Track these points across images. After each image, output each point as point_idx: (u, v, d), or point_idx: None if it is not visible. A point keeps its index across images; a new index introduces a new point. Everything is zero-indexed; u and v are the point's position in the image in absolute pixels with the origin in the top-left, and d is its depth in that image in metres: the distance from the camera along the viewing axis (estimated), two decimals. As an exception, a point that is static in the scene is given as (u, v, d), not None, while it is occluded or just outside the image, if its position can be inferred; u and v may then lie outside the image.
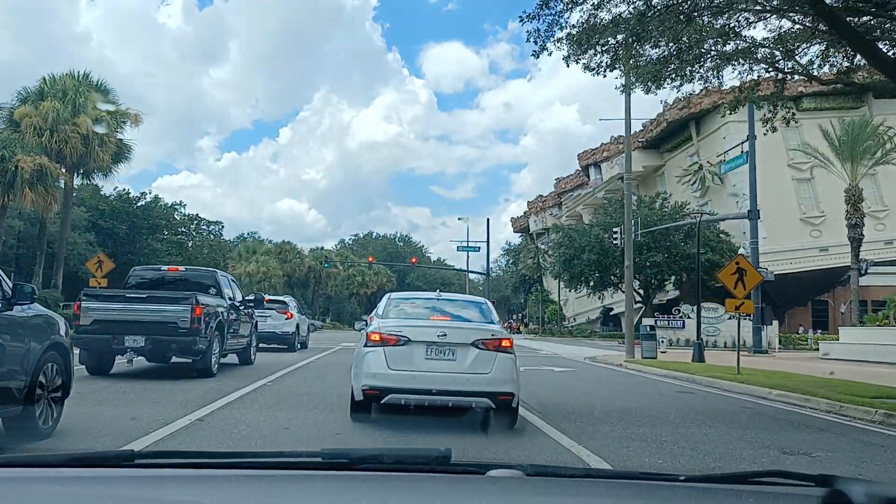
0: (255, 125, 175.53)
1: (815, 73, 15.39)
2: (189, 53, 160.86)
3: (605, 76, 11.58)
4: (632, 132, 27.04)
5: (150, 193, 79.20)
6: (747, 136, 30.66)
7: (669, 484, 1.81)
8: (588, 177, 69.57)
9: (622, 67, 12.17)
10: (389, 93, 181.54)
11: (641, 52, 12.78)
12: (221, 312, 14.29)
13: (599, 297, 59.83)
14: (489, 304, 9.73)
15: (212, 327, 13.48)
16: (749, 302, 17.37)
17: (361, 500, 1.61)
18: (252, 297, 18.09)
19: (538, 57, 11.66)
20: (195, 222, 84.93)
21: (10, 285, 6.67)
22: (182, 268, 16.73)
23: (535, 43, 11.29)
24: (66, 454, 1.90)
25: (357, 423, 8.38)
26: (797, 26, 14.33)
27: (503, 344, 8.26)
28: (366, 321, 9.97)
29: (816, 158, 40.95)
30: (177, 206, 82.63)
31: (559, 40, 11.36)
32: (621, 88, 13.68)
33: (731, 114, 18.79)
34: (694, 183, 56.81)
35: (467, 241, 67.14)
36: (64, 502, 1.54)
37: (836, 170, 40.50)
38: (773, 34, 14.31)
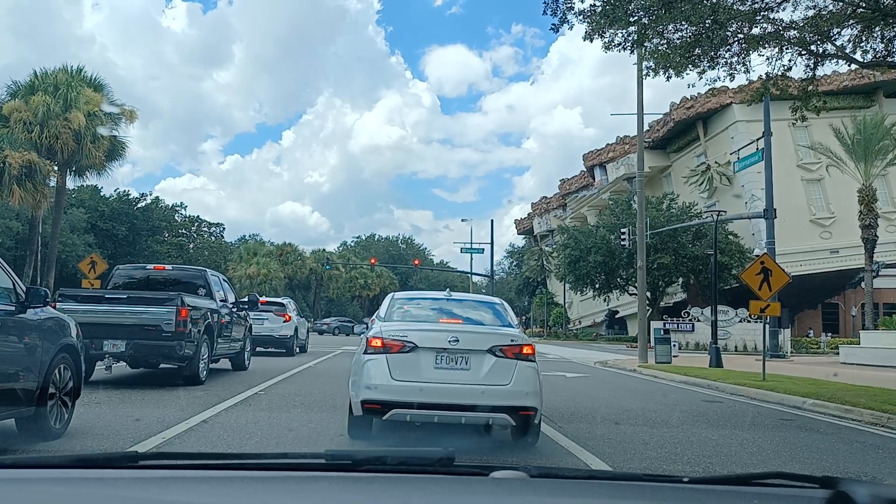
0: (259, 128, 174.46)
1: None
2: (193, 56, 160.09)
3: (631, 51, 10.53)
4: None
5: (150, 195, 78.66)
6: (763, 133, 29.60)
7: (673, 485, 1.79)
8: (593, 178, 68.58)
9: (647, 44, 11.07)
10: (392, 96, 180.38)
11: (665, 32, 11.76)
12: (211, 314, 13.23)
13: (605, 300, 58.91)
14: (505, 304, 8.58)
15: (199, 330, 12.42)
16: (776, 304, 16.28)
17: (365, 502, 1.61)
18: (246, 299, 17.08)
19: (557, 31, 10.66)
20: (196, 224, 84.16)
21: (24, 289, 6.83)
22: (169, 266, 15.64)
23: (554, 15, 10.24)
24: (71, 455, 1.90)
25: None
26: (831, 6, 13.32)
27: (524, 351, 7.13)
28: (366, 324, 8.92)
29: (829, 158, 39.87)
30: (177, 208, 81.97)
31: (580, 13, 10.29)
32: (645, 72, 12.58)
33: (756, 103, 17.72)
34: (701, 183, 55.82)
35: (471, 243, 65.96)
36: (69, 503, 1.54)
37: (848, 169, 39.46)
38: (804, 14, 13.32)
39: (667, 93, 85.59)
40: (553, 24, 10.40)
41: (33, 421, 6.78)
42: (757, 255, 35.63)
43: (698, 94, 55.12)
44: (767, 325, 27.53)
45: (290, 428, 8.59)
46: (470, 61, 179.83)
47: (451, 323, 7.66)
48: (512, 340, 7.20)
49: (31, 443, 6.74)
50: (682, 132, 58.49)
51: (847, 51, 14.29)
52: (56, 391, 7.05)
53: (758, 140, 30.35)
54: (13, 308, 6.64)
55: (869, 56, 14.30)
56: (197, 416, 8.90)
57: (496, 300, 8.84)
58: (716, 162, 54.60)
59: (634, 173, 50.53)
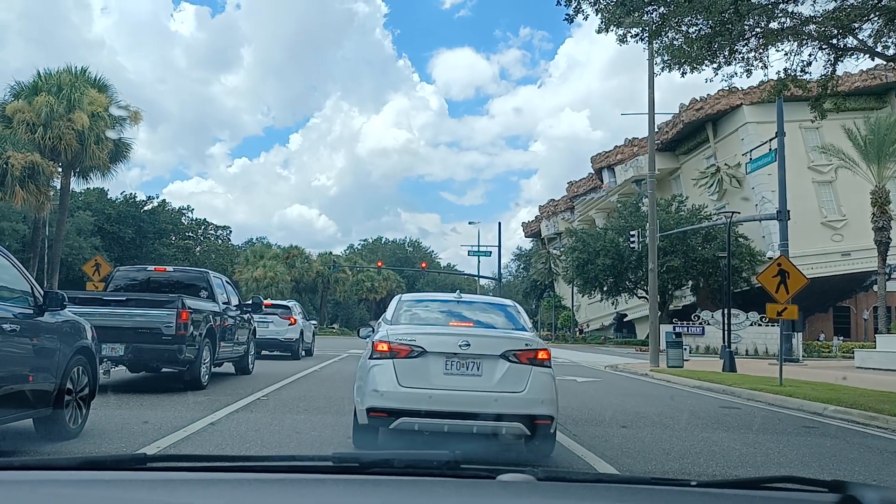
0: (267, 132, 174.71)
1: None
2: (201, 60, 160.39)
3: (649, 42, 10.12)
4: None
5: (156, 198, 78.58)
6: (775, 134, 29.15)
7: (681, 489, 1.79)
8: (601, 180, 68.15)
9: (663, 38, 10.65)
10: (400, 99, 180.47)
11: (681, 24, 11.36)
12: (213, 317, 12.86)
13: (613, 303, 58.51)
14: (518, 306, 8.17)
15: (201, 334, 12.05)
16: (793, 307, 15.83)
17: None
18: (250, 302, 16.72)
19: (571, 22, 10.24)
20: (203, 227, 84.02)
21: (42, 293, 6.99)
22: (170, 268, 15.29)
23: (568, 5, 9.80)
24: (79, 457, 1.88)
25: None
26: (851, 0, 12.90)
27: (539, 356, 6.72)
28: (372, 328, 8.53)
29: (842, 160, 39.33)
30: (184, 211, 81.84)
31: (595, 2, 9.86)
32: (661, 66, 12.15)
33: (771, 102, 17.31)
34: (711, 185, 55.32)
35: (478, 246, 65.69)
36: None
37: (861, 171, 38.94)
38: (824, 8, 12.91)
39: (675, 95, 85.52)
40: (567, 15, 10.00)
41: (50, 421, 6.96)
42: (770, 258, 35.16)
43: (708, 95, 54.76)
44: (777, 327, 27.08)
45: (296, 430, 8.39)
46: (477, 64, 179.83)
47: (462, 326, 7.27)
48: (526, 345, 6.80)
49: (48, 443, 6.89)
50: (691, 134, 58.03)
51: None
52: (72, 392, 7.20)
53: (770, 141, 29.89)
54: (31, 311, 6.79)
55: (891, 50, 13.89)
56: (202, 420, 8.66)
57: (508, 302, 8.43)
58: (725, 164, 54.12)
59: (643, 175, 50.23)
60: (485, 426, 6.53)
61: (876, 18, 13.24)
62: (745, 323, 41.45)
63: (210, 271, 14.85)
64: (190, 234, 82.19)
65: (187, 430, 7.96)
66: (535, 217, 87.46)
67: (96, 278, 24.00)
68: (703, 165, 57.25)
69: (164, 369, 12.20)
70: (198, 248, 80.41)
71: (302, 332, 23.27)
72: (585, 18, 10.64)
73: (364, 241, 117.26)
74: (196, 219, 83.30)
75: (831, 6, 12.75)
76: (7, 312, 6.37)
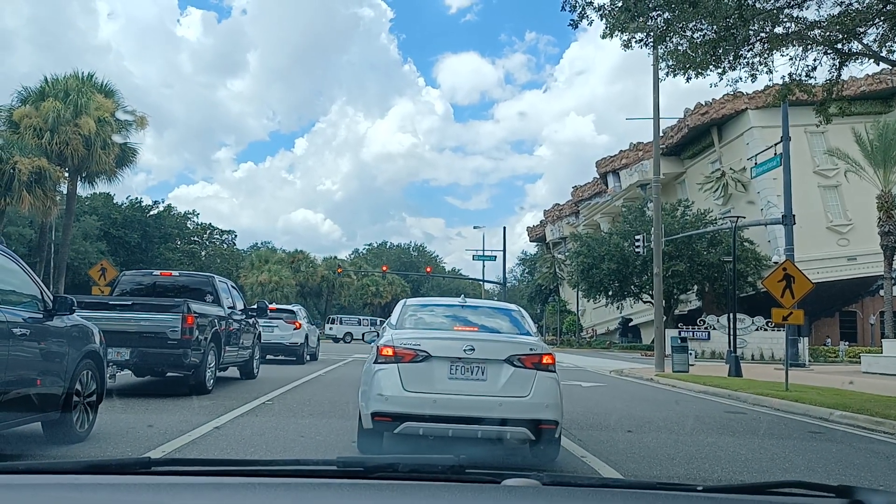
0: (272, 136, 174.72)
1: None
2: (207, 65, 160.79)
3: (654, 47, 10.14)
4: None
5: (162, 202, 78.93)
6: (780, 138, 29.11)
7: (687, 494, 1.77)
8: (606, 185, 68.09)
9: (667, 43, 10.67)
10: (405, 103, 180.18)
11: (686, 30, 11.37)
12: (218, 322, 12.90)
13: (618, 308, 58.42)
14: (522, 311, 8.17)
15: (206, 338, 12.09)
16: (799, 312, 15.80)
17: None
18: (255, 306, 16.75)
19: (576, 27, 10.27)
20: (208, 231, 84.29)
21: (52, 297, 7.06)
22: (176, 272, 15.34)
23: (572, 11, 9.83)
24: (84, 461, 1.88)
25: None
26: (857, 4, 12.90)
27: (544, 360, 6.73)
28: (377, 332, 8.54)
29: (848, 164, 39.26)
30: (189, 216, 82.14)
31: (600, 8, 9.89)
32: (665, 71, 12.16)
33: (776, 106, 17.31)
34: (716, 190, 55.22)
35: (483, 251, 65.72)
36: None
37: (867, 175, 38.88)
38: (829, 12, 12.91)
39: (680, 99, 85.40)
40: (571, 20, 10.04)
41: (59, 425, 7.03)
42: (775, 263, 35.08)
43: (713, 99, 54.71)
44: (782, 331, 26.98)
45: (301, 435, 8.42)
46: (483, 69, 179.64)
47: (467, 331, 7.28)
48: (531, 349, 6.80)
49: (56, 446, 6.96)
50: (696, 138, 57.92)
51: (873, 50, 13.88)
52: (80, 396, 7.27)
53: (775, 145, 29.86)
54: (41, 316, 6.84)
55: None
56: (207, 424, 8.69)
57: (513, 307, 8.44)
58: (731, 168, 54.00)
59: (648, 180, 50.22)
60: (489, 431, 6.53)
61: (881, 23, 13.25)
62: (750, 328, 41.36)
63: (215, 276, 14.90)
64: (195, 238, 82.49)
65: (192, 434, 7.98)
66: (540, 222, 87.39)
67: (102, 283, 24.09)
68: (708, 170, 57.14)
69: (169, 373, 12.24)
70: (203, 253, 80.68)
71: (307, 337, 23.31)
72: (590, 24, 10.70)
73: (369, 245, 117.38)
74: (201, 223, 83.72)
75: (836, 11, 12.75)
76: (17, 317, 6.40)
